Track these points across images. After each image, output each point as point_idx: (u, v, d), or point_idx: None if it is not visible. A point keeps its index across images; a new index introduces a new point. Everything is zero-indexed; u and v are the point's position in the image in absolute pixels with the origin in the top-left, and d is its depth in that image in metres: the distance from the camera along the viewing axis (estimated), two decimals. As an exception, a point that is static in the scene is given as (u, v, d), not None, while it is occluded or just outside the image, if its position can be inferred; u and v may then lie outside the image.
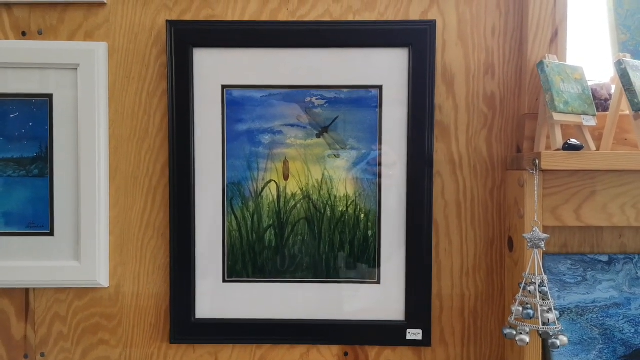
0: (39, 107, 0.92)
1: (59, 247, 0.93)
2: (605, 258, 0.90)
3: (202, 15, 0.93)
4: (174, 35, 0.91)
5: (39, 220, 0.93)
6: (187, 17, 0.93)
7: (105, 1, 0.93)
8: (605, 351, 0.87)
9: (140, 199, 0.95)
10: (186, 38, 0.91)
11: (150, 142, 0.94)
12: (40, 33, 0.93)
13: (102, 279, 0.93)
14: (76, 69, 0.91)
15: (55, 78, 0.92)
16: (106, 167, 0.94)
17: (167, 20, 0.91)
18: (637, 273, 0.89)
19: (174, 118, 0.91)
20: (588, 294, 0.88)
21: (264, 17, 0.93)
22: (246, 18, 0.93)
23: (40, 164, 0.93)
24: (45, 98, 0.92)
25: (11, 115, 0.92)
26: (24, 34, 0.93)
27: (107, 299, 0.95)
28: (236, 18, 0.93)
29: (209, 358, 0.95)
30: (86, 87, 0.91)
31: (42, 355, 0.96)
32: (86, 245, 0.92)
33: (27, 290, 0.95)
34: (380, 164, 0.92)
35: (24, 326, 0.96)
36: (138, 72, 0.94)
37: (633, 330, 0.87)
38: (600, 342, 0.87)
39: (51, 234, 0.93)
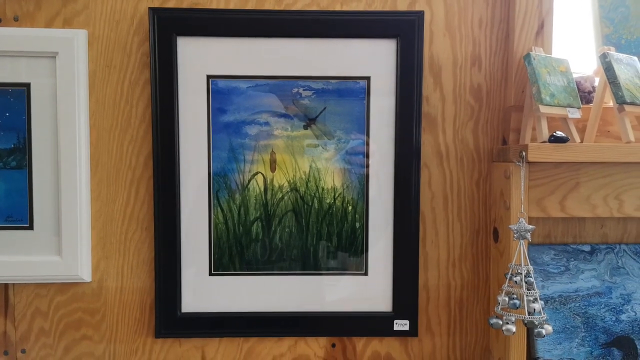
0: (16, 97, 0.89)
1: (39, 241, 0.91)
2: (587, 248, 0.91)
3: (186, 3, 0.91)
4: (157, 23, 0.88)
5: (17, 214, 0.91)
6: (170, 4, 0.91)
7: (85, -13, 0.90)
8: (588, 339, 0.89)
9: (123, 192, 0.93)
10: (169, 26, 0.89)
11: (132, 133, 0.92)
12: (16, 19, 0.90)
13: (85, 274, 0.91)
14: (55, 57, 0.88)
15: (33, 66, 0.89)
16: (87, 159, 0.91)
17: (149, 8, 0.88)
18: (618, 262, 0.91)
19: (158, 108, 0.89)
20: (571, 283, 0.90)
21: (250, 6, 0.91)
22: (231, 6, 0.91)
23: (18, 156, 0.90)
24: (22, 87, 0.89)
25: (-14, 105, 0.89)
26: (-2, 20, 0.90)
27: (89, 294, 0.93)
28: (221, 6, 0.91)
29: (195, 352, 0.94)
30: (65, 76, 0.89)
31: (23, 351, 0.93)
32: (67, 239, 0.90)
33: (6, 285, 0.93)
34: (367, 156, 0.92)
35: (4, 322, 0.93)
36: (119, 61, 0.91)
37: (614, 318, 0.89)
38: (583, 330, 0.89)
39: (30, 227, 0.91)
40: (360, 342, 0.95)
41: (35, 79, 0.89)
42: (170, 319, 0.92)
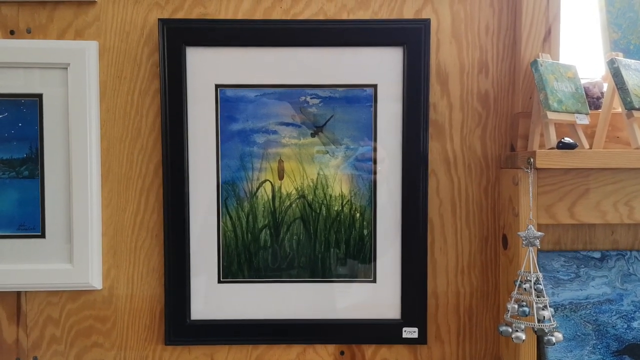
0: (28, 107, 0.91)
1: (51, 249, 0.92)
2: (597, 255, 0.91)
3: (195, 14, 0.92)
4: (166, 34, 0.90)
5: (29, 222, 0.92)
6: (179, 15, 0.92)
7: (96, -1, 0.91)
8: (599, 347, 0.88)
9: (134, 200, 0.94)
10: (179, 37, 0.90)
11: (142, 142, 0.93)
12: (29, 32, 0.91)
13: (95, 281, 0.92)
14: (66, 68, 0.90)
15: (45, 77, 0.91)
16: (98, 167, 0.93)
17: (159, 19, 0.90)
18: (629, 269, 0.90)
19: (167, 118, 0.90)
20: (581, 290, 0.89)
21: (258, 16, 0.92)
22: (239, 16, 0.92)
23: (30, 165, 0.91)
24: (34, 98, 0.91)
25: (0, 116, 0.91)
26: (12, 32, 0.91)
27: (100, 301, 0.94)
28: (229, 16, 0.92)
29: (204, 359, 0.95)
30: (77, 87, 0.90)
31: (35, 359, 0.94)
32: (78, 247, 0.91)
33: (18, 293, 0.94)
34: (375, 163, 0.92)
35: (16, 330, 0.94)
36: (130, 71, 0.92)
37: (625, 326, 0.88)
38: (594, 337, 0.88)
39: (42, 236, 0.92)
40: (369, 350, 0.95)
41: (47, 90, 0.91)
42: (179, 326, 0.93)
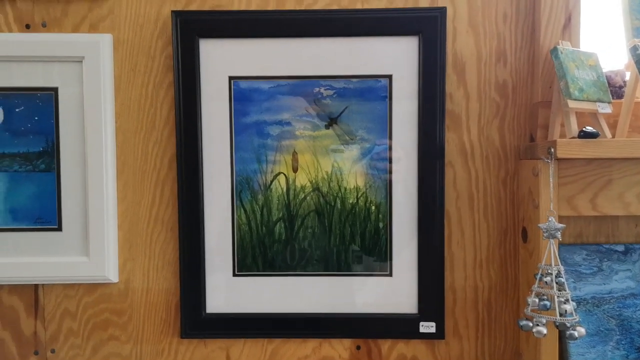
0: (44, 101, 0.91)
1: (68, 242, 0.92)
2: (621, 248, 0.88)
3: (208, 5, 0.92)
4: (180, 26, 0.89)
5: (46, 216, 0.93)
6: (193, 7, 0.92)
7: (110, -8, 0.91)
8: (623, 342, 0.86)
9: (149, 193, 0.94)
10: (192, 29, 0.89)
11: (157, 135, 0.93)
12: (44, 25, 0.92)
13: (112, 274, 0.93)
14: (81, 61, 0.90)
15: (60, 71, 0.91)
16: (113, 161, 0.93)
17: (172, 11, 0.89)
18: (654, 262, 0.87)
19: (181, 110, 0.90)
20: (604, 284, 0.87)
21: (271, 7, 0.92)
22: (253, 7, 0.92)
23: (46, 159, 0.92)
24: (50, 92, 0.91)
25: (16, 110, 0.91)
26: (27, 26, 0.92)
27: (116, 295, 0.94)
28: (242, 7, 0.91)
29: (220, 353, 0.95)
30: (91, 80, 0.90)
31: (53, 351, 0.95)
32: (95, 240, 0.91)
33: (36, 286, 0.94)
34: (390, 155, 0.91)
35: (34, 322, 0.95)
36: (144, 64, 0.92)
37: (651, 321, 0.86)
38: (618, 332, 0.86)
39: (59, 229, 0.92)
40: (385, 345, 0.94)
41: (62, 83, 0.91)
42: (195, 319, 0.92)
